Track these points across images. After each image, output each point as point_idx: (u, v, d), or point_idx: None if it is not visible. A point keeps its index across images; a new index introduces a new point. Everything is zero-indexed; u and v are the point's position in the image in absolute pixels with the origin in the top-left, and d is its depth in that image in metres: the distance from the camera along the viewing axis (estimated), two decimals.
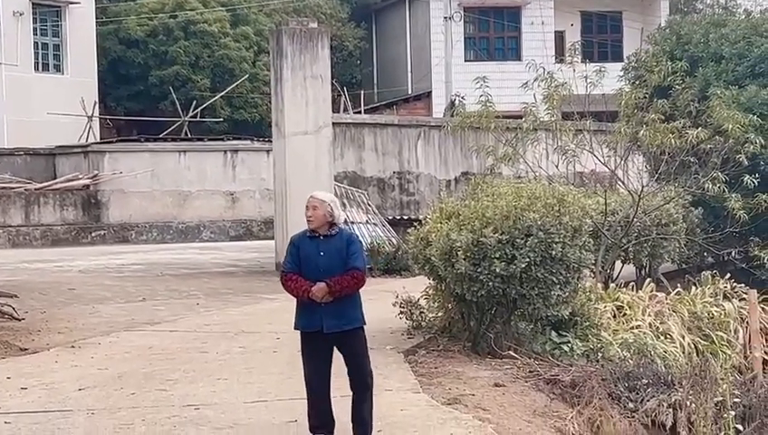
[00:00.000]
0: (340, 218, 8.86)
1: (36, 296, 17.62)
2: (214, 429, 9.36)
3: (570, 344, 13.10)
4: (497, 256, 12.17)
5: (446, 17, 40.58)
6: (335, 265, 8.57)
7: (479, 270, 12.24)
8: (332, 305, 8.54)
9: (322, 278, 8.51)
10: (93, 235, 31.15)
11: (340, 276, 8.52)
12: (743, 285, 17.96)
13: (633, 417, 11.37)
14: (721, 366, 13.83)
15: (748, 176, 18.35)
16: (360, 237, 17.82)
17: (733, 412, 10.82)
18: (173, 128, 38.31)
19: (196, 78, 41.21)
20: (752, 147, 18.07)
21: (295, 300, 8.79)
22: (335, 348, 8.76)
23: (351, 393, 8.75)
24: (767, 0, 32.61)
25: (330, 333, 8.59)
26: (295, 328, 8.87)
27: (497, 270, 12.14)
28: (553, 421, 10.63)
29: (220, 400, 10.53)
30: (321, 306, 8.54)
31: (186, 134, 37.54)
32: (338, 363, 8.83)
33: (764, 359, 16.21)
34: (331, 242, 8.68)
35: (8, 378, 11.54)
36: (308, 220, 8.78)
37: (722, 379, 11.46)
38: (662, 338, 15.09)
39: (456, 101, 22.46)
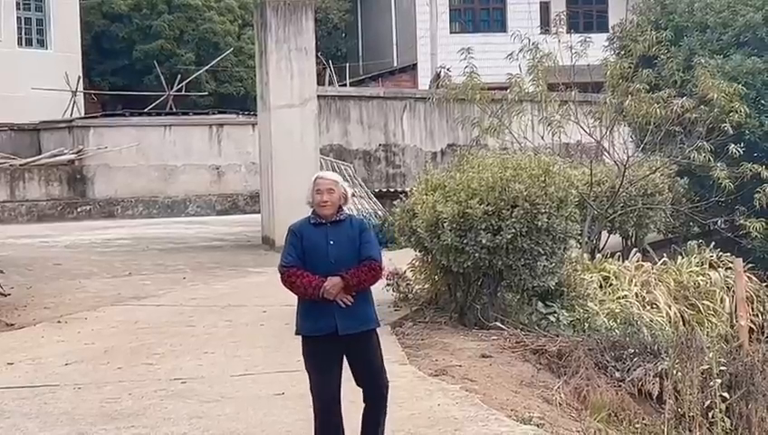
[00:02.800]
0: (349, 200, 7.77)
1: (22, 272, 17.58)
2: (200, 402, 9.37)
3: (556, 315, 13.13)
4: (483, 227, 12.18)
5: None
6: (347, 255, 7.38)
7: (465, 241, 12.26)
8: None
9: (334, 271, 7.31)
10: (79, 210, 31.06)
11: (356, 269, 7.34)
12: (729, 254, 18.02)
13: (620, 386, 11.41)
14: (707, 335, 13.90)
15: (733, 145, 18.35)
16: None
17: (719, 380, 10.84)
18: (158, 102, 38.15)
19: (181, 52, 41.05)
20: (737, 116, 18.06)
21: (295, 295, 7.55)
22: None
23: (364, 406, 7.57)
24: None
25: (345, 335, 7.36)
26: (298, 333, 7.53)
27: (483, 241, 12.16)
28: (540, 391, 10.65)
29: (207, 373, 10.54)
30: (333, 304, 7.30)
31: (171, 109, 37.39)
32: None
33: (750, 328, 16.26)
34: (341, 229, 7.50)
35: None
36: (322, 206, 7.48)
37: (708, 347, 11.49)
38: (648, 308, 15.16)
39: (442, 73, 22.37)
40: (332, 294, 7.28)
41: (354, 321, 7.39)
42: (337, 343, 7.38)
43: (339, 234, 7.47)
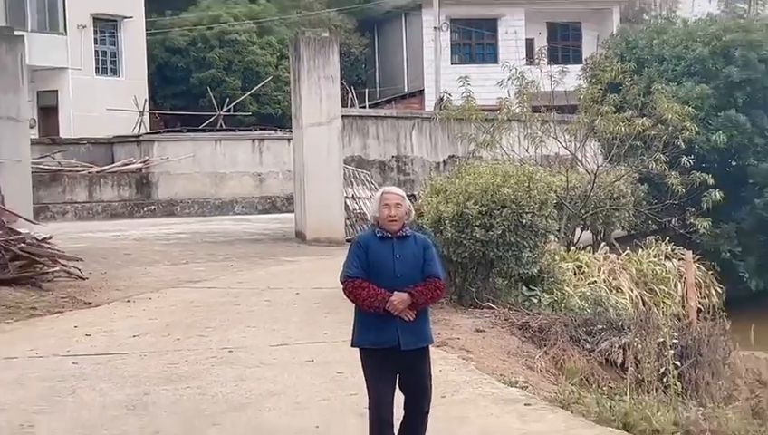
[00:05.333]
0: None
1: (98, 260, 17.58)
2: (245, 367, 9.39)
3: (538, 297, 13.12)
4: (478, 224, 12.20)
5: (435, 27, 40.30)
6: (412, 271, 6.37)
7: (463, 236, 12.27)
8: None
9: (398, 286, 6.31)
10: (145, 209, 31.06)
11: (423, 286, 6.36)
12: (681, 247, 17.99)
13: (590, 356, 11.40)
14: (663, 314, 13.84)
15: (685, 157, 18.42)
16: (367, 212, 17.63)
17: (672, 351, 10.79)
18: (210, 120, 38.13)
19: (229, 79, 40.98)
20: (688, 133, 18.08)
21: (352, 304, 6.51)
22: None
23: (403, 416, 6.54)
24: (700, 11, 32.37)
25: (406, 350, 6.38)
26: (355, 345, 6.50)
27: (478, 236, 12.17)
28: (524, 360, 10.66)
29: (250, 343, 10.56)
30: (395, 319, 6.31)
31: (220, 126, 37.36)
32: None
33: (698, 308, 16.25)
34: (406, 244, 6.46)
35: (75, 327, 11.59)
36: (390, 220, 6.45)
37: (663, 324, 11.43)
38: (614, 291, 15.13)
39: (444, 97, 22.38)
40: (398, 310, 6.29)
41: (415, 337, 6.42)
42: (395, 356, 6.38)
43: (404, 249, 6.44)
